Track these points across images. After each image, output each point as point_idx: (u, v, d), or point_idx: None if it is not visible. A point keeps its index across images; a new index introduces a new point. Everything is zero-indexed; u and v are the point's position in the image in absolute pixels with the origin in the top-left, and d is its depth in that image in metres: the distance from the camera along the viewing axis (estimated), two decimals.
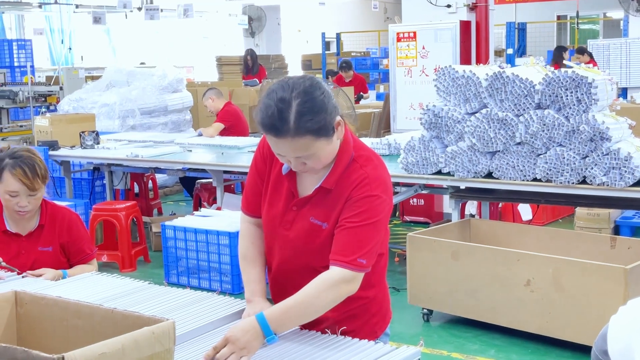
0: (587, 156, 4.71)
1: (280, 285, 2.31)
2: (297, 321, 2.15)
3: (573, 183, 4.77)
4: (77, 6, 18.26)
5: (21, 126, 11.80)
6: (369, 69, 17.39)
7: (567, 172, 4.75)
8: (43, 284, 2.78)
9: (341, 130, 2.16)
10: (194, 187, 8.17)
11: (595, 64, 10.64)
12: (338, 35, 18.46)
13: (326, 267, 2.14)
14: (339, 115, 2.14)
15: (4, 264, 2.98)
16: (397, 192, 6.00)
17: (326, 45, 17.79)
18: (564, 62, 9.39)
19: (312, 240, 2.19)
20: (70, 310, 1.86)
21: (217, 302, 2.44)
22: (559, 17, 21.88)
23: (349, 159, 2.19)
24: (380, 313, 2.34)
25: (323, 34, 17.17)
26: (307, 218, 2.19)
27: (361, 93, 12.81)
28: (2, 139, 10.49)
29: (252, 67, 13.51)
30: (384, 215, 2.17)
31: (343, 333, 2.19)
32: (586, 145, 4.67)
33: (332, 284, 2.10)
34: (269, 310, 2.09)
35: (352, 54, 18.41)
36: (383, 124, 8.71)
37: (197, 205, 7.93)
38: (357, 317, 2.26)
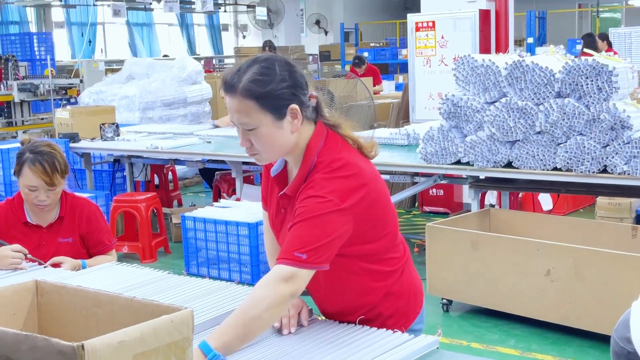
0: (607, 145, 4.67)
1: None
2: (243, 338, 1.99)
3: (594, 172, 4.73)
4: None
5: (42, 119, 11.91)
6: (387, 60, 17.35)
7: (588, 161, 4.72)
8: (63, 274, 2.80)
9: (296, 123, 2.08)
10: (213, 179, 8.19)
11: (614, 52, 10.52)
12: (357, 26, 18.42)
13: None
14: (297, 105, 2.07)
15: (29, 255, 3.01)
16: (416, 182, 5.99)
17: (345, 36, 17.75)
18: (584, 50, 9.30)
19: (283, 240, 2.17)
20: (90, 299, 1.87)
21: (236, 292, 2.45)
22: (579, 6, 21.70)
23: (309, 165, 2.12)
24: (397, 314, 2.29)
25: (342, 24, 17.14)
26: (286, 223, 2.16)
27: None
28: (24, 132, 10.59)
29: None
30: (329, 212, 2.01)
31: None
32: (607, 134, 4.63)
33: (265, 284, 2.01)
34: (209, 335, 1.98)
35: (371, 44, 18.36)
36: (402, 114, 8.68)
37: (217, 197, 7.96)
38: (370, 322, 2.23)
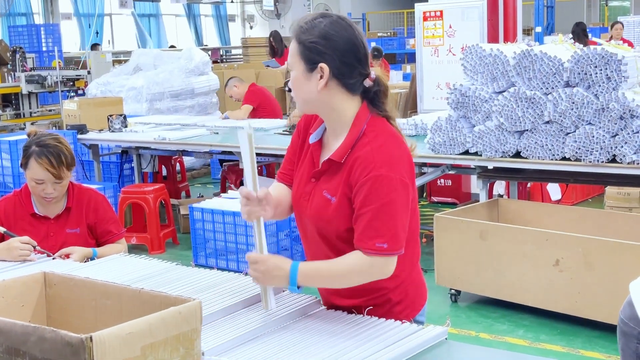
0: (616, 134, 4.64)
1: (309, 253, 2.38)
2: (323, 285, 2.29)
3: (603, 162, 4.71)
4: None
5: (50, 110, 11.93)
6: (395, 50, 17.30)
7: (597, 151, 4.69)
8: (72, 266, 2.81)
9: (321, 83, 2.14)
10: (221, 170, 8.19)
11: (630, 43, 10.43)
12: (364, 16, 18.37)
13: (338, 238, 2.20)
14: (328, 67, 2.14)
15: (38, 247, 3.02)
16: (424, 173, 5.97)
17: None
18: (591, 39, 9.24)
19: (324, 212, 2.21)
20: (98, 291, 1.88)
21: (244, 283, 2.45)
22: None
23: (358, 133, 2.18)
24: (405, 302, 2.31)
25: (349, 14, 17.09)
26: (321, 191, 2.22)
27: None
28: (31, 124, 10.61)
29: (277, 49, 13.44)
30: (397, 195, 2.11)
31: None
32: (616, 123, 4.61)
33: (361, 269, 2.16)
34: (305, 265, 2.19)
35: (379, 34, 18.31)
36: (410, 104, 8.66)
37: (224, 188, 7.97)
38: (378, 307, 2.26)
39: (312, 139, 2.29)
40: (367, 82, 2.18)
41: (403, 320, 2.17)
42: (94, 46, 15.29)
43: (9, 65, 11.51)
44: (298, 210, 2.32)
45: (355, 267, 2.14)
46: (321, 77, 2.15)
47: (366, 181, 2.11)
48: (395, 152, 2.15)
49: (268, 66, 12.23)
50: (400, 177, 2.12)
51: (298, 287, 2.19)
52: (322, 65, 2.14)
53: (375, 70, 2.23)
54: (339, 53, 2.14)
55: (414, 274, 2.34)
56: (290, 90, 2.33)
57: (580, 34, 10.77)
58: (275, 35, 12.85)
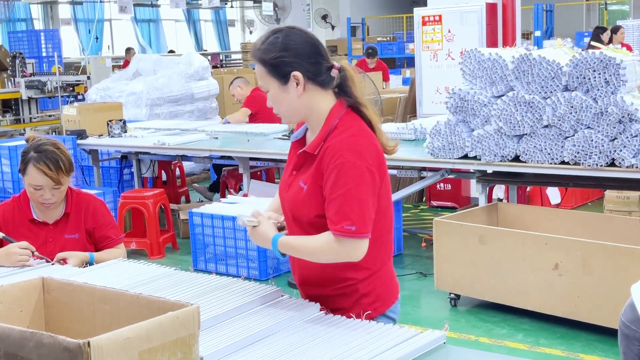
0: (615, 138, 4.65)
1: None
2: (298, 257, 2.39)
3: (602, 165, 4.72)
4: None
5: (50, 116, 11.93)
6: (395, 54, 17.32)
7: (596, 155, 4.70)
8: (70, 271, 2.81)
9: (299, 89, 2.29)
10: (221, 174, 8.19)
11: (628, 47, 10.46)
12: (363, 20, 18.39)
13: (309, 224, 2.35)
14: (300, 72, 2.28)
15: (36, 253, 3.02)
16: (423, 177, 5.98)
17: (352, 30, 17.72)
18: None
19: (296, 199, 2.38)
20: (96, 296, 1.88)
21: (243, 288, 2.45)
22: None
23: (331, 126, 2.33)
24: (373, 294, 2.40)
25: (349, 19, 17.11)
26: (298, 181, 2.39)
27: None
28: (31, 129, 10.62)
29: None
30: (363, 180, 2.24)
31: (332, 311, 2.32)
32: (615, 127, 4.61)
33: (330, 249, 2.27)
34: (283, 239, 2.35)
35: (378, 39, 18.33)
36: (409, 109, 8.67)
37: (224, 192, 7.97)
38: (346, 296, 2.36)
39: (293, 138, 2.48)
40: (334, 72, 2.33)
41: (368, 312, 2.28)
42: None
43: (9, 71, 11.52)
44: (281, 200, 2.49)
45: (324, 246, 2.27)
46: (297, 83, 2.30)
47: (334, 167, 2.25)
48: (363, 142, 2.28)
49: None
50: (367, 165, 2.25)
51: (283, 256, 2.38)
52: (294, 73, 2.29)
53: (338, 60, 2.40)
54: (304, 56, 2.29)
55: (385, 270, 2.44)
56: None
57: (598, 36, 10.92)
58: None
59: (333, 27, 22.64)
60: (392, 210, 2.44)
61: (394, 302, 2.46)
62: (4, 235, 3.13)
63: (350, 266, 2.33)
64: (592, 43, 5.45)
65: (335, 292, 2.37)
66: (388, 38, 18.96)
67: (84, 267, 2.99)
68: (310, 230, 2.33)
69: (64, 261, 3.03)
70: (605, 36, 11.44)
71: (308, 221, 2.35)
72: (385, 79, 12.86)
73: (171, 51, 19.44)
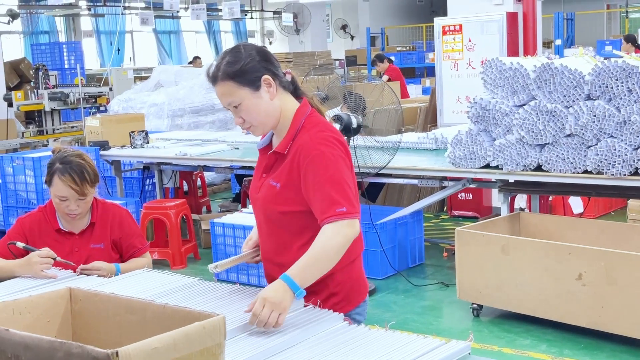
0: (639, 147, 4.62)
1: (260, 241, 2.61)
2: (317, 274, 2.36)
3: (625, 175, 4.68)
4: (125, 8, 18.51)
5: (73, 127, 12.03)
6: (414, 64, 17.31)
7: (619, 164, 4.67)
8: (96, 281, 2.83)
9: (272, 90, 2.39)
10: (242, 184, 8.22)
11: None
12: (383, 30, 18.40)
13: (280, 225, 2.45)
14: (269, 75, 2.38)
15: (58, 259, 3.04)
16: (444, 187, 5.96)
17: (371, 40, 17.73)
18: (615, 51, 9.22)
19: (269, 197, 2.46)
20: (122, 306, 1.89)
21: None
22: (608, 7, 21.49)
23: (298, 126, 2.44)
24: (342, 293, 2.48)
25: (368, 29, 17.12)
26: (269, 182, 2.47)
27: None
28: (54, 140, 10.71)
29: None
30: (340, 166, 2.36)
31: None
32: (638, 136, 4.58)
33: (333, 235, 2.33)
34: (290, 270, 2.31)
35: (397, 48, 18.33)
36: (430, 118, 8.66)
37: (245, 202, 7.99)
38: (316, 294, 2.41)
39: (260, 145, 2.57)
40: (288, 76, 2.49)
41: (331, 310, 2.32)
42: None
43: (32, 83, 11.64)
44: (252, 204, 2.56)
45: (327, 239, 2.32)
46: (269, 85, 2.39)
47: (310, 161, 2.36)
48: (331, 136, 2.41)
49: None
50: (339, 153, 2.38)
51: (303, 290, 2.30)
52: (264, 77, 2.39)
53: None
54: (265, 62, 2.41)
55: (354, 268, 2.53)
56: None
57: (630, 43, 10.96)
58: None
59: (352, 37, 22.66)
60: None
61: (360, 302, 2.53)
62: (24, 245, 3.16)
63: None
64: (615, 52, 5.42)
65: (307, 289, 2.35)
66: (407, 48, 18.95)
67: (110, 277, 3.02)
68: (283, 229, 2.44)
69: (91, 273, 3.05)
70: (626, 45, 11.43)
71: (280, 218, 2.44)
72: (397, 79, 12.67)
73: (191, 62, 19.53)
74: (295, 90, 2.51)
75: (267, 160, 2.50)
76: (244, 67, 2.36)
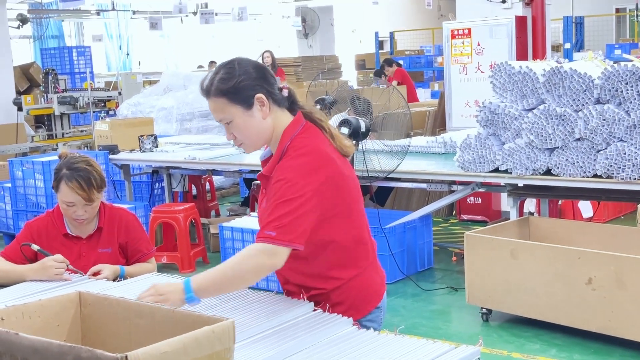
0: None
1: None
2: (220, 292, 2.38)
3: (635, 179, 4.66)
4: (134, 12, 18.58)
5: (82, 131, 12.07)
6: (423, 67, 17.29)
7: (629, 168, 4.65)
8: (106, 285, 2.84)
9: (265, 110, 2.36)
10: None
11: None
12: (391, 34, 18.39)
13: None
14: (262, 94, 2.34)
15: (70, 266, 3.05)
16: (453, 191, 5.95)
17: (380, 44, 17.72)
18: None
19: (261, 217, 2.42)
20: (132, 310, 1.90)
21: (274, 301, 2.46)
22: (617, 10, 21.42)
23: (283, 148, 2.39)
24: (346, 304, 2.44)
25: (376, 33, 17.10)
26: (264, 200, 2.46)
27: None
28: (64, 144, 10.75)
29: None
30: (297, 197, 2.27)
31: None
32: None
33: (249, 254, 2.29)
34: (198, 276, 2.32)
35: (406, 52, 18.32)
36: (438, 122, 8.65)
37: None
38: (318, 303, 2.41)
39: (261, 157, 2.54)
40: (285, 92, 2.43)
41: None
42: None
43: (41, 87, 11.69)
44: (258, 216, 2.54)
45: (242, 260, 2.29)
46: (262, 104, 2.36)
47: (272, 187, 2.34)
48: (312, 161, 2.33)
49: None
50: (311, 183, 2.29)
51: (196, 298, 2.28)
52: (258, 95, 2.35)
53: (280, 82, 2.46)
54: (259, 79, 2.36)
55: (361, 279, 2.48)
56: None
57: None
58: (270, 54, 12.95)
59: (361, 41, 22.64)
60: (363, 222, 2.48)
61: (371, 310, 2.50)
62: (39, 248, 3.17)
63: (318, 276, 2.42)
64: (625, 55, 5.40)
65: (309, 298, 2.42)
66: (416, 51, 18.93)
67: (118, 280, 3.02)
68: None
69: (97, 274, 3.06)
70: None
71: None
72: (405, 82, 12.61)
73: (200, 67, 19.58)
74: (291, 105, 2.45)
75: (259, 179, 2.49)
76: (237, 85, 2.33)
